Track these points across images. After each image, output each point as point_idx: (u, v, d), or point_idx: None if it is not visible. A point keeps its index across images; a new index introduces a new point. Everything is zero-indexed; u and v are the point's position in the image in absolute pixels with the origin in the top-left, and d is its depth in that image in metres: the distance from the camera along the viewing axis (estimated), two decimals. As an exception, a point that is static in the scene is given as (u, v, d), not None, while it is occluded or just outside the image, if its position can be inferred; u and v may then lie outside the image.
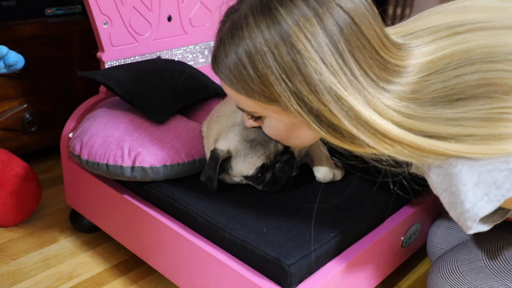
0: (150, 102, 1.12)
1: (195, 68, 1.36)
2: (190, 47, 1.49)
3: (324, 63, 0.68)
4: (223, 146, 0.95)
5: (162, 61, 1.32)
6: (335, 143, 0.73)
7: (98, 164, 1.07)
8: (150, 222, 1.05)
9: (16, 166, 1.32)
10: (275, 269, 0.83)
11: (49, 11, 1.61)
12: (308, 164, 1.10)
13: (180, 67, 1.31)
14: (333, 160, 1.06)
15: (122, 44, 1.31)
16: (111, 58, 1.29)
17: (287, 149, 0.97)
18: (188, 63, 1.47)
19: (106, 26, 1.26)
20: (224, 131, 0.98)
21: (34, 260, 1.25)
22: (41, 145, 1.66)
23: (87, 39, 1.60)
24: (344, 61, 0.69)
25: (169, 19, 1.40)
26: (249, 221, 0.92)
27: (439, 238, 1.08)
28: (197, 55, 1.52)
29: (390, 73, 0.73)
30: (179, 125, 1.12)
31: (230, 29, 0.75)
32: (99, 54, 1.28)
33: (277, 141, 0.94)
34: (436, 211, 1.14)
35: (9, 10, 1.51)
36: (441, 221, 1.10)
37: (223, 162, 0.94)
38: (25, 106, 1.57)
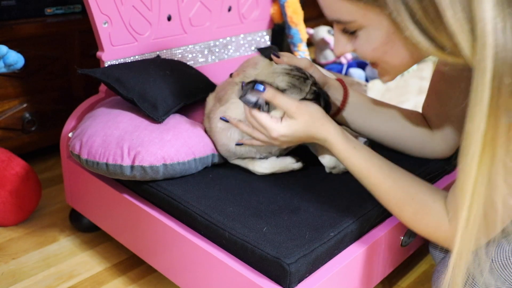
0: (150, 101, 1.12)
1: (194, 68, 1.37)
2: (190, 46, 1.49)
3: None
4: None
5: (162, 60, 1.32)
6: (434, 54, 0.71)
7: (97, 163, 1.07)
8: (150, 222, 1.05)
9: (16, 165, 1.32)
10: (275, 268, 0.83)
11: (48, 10, 1.61)
12: (308, 164, 1.10)
13: (180, 66, 1.31)
14: None
15: (122, 43, 1.31)
16: (111, 57, 1.29)
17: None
18: (188, 63, 1.47)
19: (106, 25, 1.26)
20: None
21: (34, 260, 1.25)
22: (41, 145, 1.66)
23: (87, 39, 1.60)
24: None
25: (169, 18, 1.41)
26: (249, 220, 0.92)
27: None
28: (197, 54, 1.52)
29: None
30: (179, 124, 1.12)
31: None
32: (98, 53, 1.28)
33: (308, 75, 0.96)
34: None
35: (8, 9, 1.51)
36: None
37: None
38: (25, 105, 1.57)
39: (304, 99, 0.97)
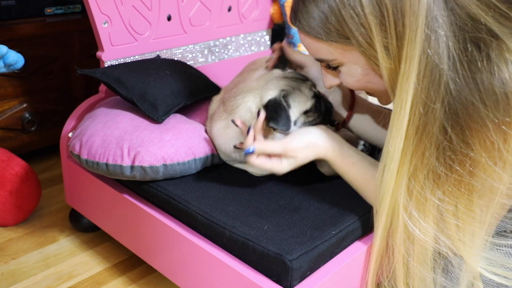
0: (150, 101, 1.12)
1: (194, 68, 1.37)
2: (190, 46, 1.49)
3: None
4: (274, 94, 0.99)
5: (162, 60, 1.32)
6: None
7: (97, 163, 1.07)
8: (150, 222, 1.05)
9: (16, 165, 1.32)
10: (276, 265, 0.83)
11: (48, 10, 1.61)
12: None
13: (180, 66, 1.31)
14: None
15: (121, 43, 1.30)
16: (110, 57, 1.29)
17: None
18: (188, 63, 1.47)
19: (105, 25, 1.26)
20: (262, 88, 1.01)
21: (34, 260, 1.25)
22: (41, 145, 1.66)
23: (87, 39, 1.60)
24: None
25: (169, 18, 1.40)
26: (249, 219, 0.92)
27: None
28: (196, 54, 1.52)
29: None
30: (179, 124, 1.12)
31: None
32: (98, 53, 1.28)
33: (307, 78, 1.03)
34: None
35: (8, 9, 1.51)
36: None
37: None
38: (24, 105, 1.57)
39: (308, 111, 0.99)
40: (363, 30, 0.76)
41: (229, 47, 1.62)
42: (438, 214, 0.79)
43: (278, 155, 0.94)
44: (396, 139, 0.77)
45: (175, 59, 1.44)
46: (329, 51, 0.83)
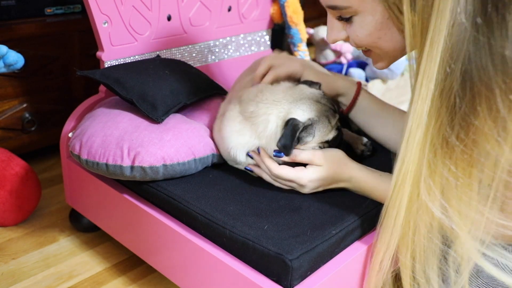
0: (150, 101, 1.12)
1: (194, 67, 1.36)
2: (190, 46, 1.49)
3: None
4: (301, 117, 0.97)
5: (162, 60, 1.32)
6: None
7: (97, 163, 1.07)
8: (150, 222, 1.05)
9: (16, 165, 1.32)
10: (277, 264, 0.83)
11: (48, 10, 1.61)
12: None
13: (179, 66, 1.31)
14: None
15: (121, 43, 1.31)
16: (110, 57, 1.29)
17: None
18: (188, 63, 1.47)
19: (105, 25, 1.26)
20: (291, 104, 0.99)
21: (34, 260, 1.25)
22: (41, 145, 1.66)
23: (87, 39, 1.60)
24: None
25: (169, 18, 1.40)
26: (250, 219, 0.92)
27: None
28: (197, 54, 1.52)
29: None
30: (178, 124, 1.12)
31: None
32: (98, 53, 1.28)
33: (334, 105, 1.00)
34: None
35: (8, 9, 1.51)
36: None
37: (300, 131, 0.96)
38: (24, 105, 1.57)
39: (327, 142, 1.00)
40: None
41: (229, 47, 1.62)
42: (443, 184, 0.75)
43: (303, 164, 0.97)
44: (424, 100, 0.71)
45: (175, 59, 1.44)
46: None
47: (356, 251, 0.93)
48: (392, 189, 0.79)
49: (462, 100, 0.70)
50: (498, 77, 0.67)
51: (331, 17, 0.86)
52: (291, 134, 0.94)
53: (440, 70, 0.69)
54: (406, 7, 0.71)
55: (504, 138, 0.68)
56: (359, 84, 1.14)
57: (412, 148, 0.74)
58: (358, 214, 0.95)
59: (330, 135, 1.00)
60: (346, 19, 0.82)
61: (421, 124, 0.72)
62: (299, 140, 0.97)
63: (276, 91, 1.03)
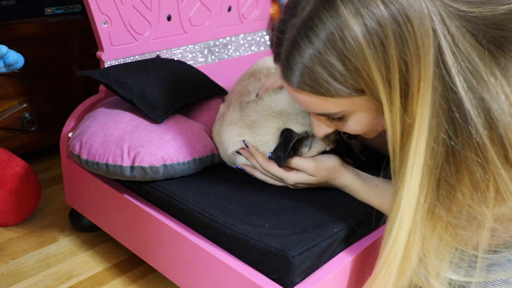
0: (150, 101, 1.12)
1: (194, 68, 1.36)
2: (190, 46, 1.49)
3: None
4: (298, 129, 0.97)
5: (162, 60, 1.32)
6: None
7: (97, 163, 1.06)
8: (150, 222, 1.05)
9: (16, 165, 1.32)
10: (278, 262, 0.83)
11: (48, 10, 1.61)
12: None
13: (179, 66, 1.31)
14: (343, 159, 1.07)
15: (121, 43, 1.31)
16: (110, 57, 1.29)
17: None
18: (188, 63, 1.47)
19: (105, 25, 1.26)
20: (290, 116, 0.98)
21: (34, 260, 1.25)
22: (41, 145, 1.66)
23: (87, 39, 1.60)
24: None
25: (169, 18, 1.40)
26: (250, 218, 0.92)
27: None
28: (196, 54, 1.52)
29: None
30: (178, 124, 1.12)
31: (300, 31, 0.69)
32: (98, 53, 1.28)
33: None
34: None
35: (8, 9, 1.51)
36: None
37: (294, 143, 0.96)
38: (24, 105, 1.57)
39: (324, 152, 0.99)
40: (386, 84, 0.68)
41: (229, 47, 1.62)
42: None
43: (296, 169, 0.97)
44: (416, 176, 0.71)
45: (175, 59, 1.44)
46: (338, 104, 0.74)
47: (356, 250, 0.93)
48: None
49: (448, 172, 0.71)
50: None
51: (315, 117, 0.84)
52: (284, 145, 0.94)
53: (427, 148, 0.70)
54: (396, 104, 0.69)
55: (484, 201, 0.70)
56: None
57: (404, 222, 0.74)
58: (359, 214, 0.95)
59: (328, 148, 1.00)
60: (338, 118, 0.79)
61: (413, 199, 0.72)
62: (294, 151, 0.97)
63: (277, 102, 1.01)
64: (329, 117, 0.79)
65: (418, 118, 0.68)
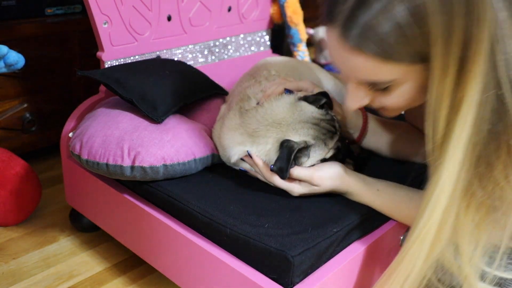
0: (150, 101, 1.12)
1: (194, 68, 1.37)
2: (190, 46, 1.49)
3: None
4: (297, 139, 0.96)
5: (162, 60, 1.32)
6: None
7: (98, 163, 1.07)
8: (150, 221, 1.05)
9: (16, 165, 1.32)
10: (278, 261, 0.83)
11: (49, 10, 1.61)
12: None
13: (180, 66, 1.31)
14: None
15: (122, 43, 1.31)
16: (111, 57, 1.29)
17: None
18: (188, 63, 1.47)
19: (106, 25, 1.26)
20: (289, 126, 0.98)
21: (34, 259, 1.25)
22: (41, 145, 1.66)
23: (87, 39, 1.60)
24: None
25: (169, 18, 1.41)
26: (250, 218, 0.92)
27: None
28: (196, 54, 1.52)
29: None
30: (178, 124, 1.12)
31: None
32: (99, 53, 1.28)
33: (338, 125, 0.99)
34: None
35: (9, 9, 1.51)
36: None
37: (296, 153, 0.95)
38: (25, 105, 1.57)
39: (324, 159, 0.99)
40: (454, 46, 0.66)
41: (229, 47, 1.62)
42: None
43: (300, 180, 0.97)
44: (459, 152, 0.70)
45: (175, 59, 1.44)
46: (392, 71, 0.71)
47: (356, 250, 0.93)
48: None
49: (488, 150, 0.71)
50: None
51: (354, 85, 0.78)
52: (287, 157, 0.93)
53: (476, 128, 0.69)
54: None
55: None
56: (364, 112, 1.11)
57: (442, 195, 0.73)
58: (359, 214, 0.95)
59: (327, 156, 0.99)
60: (382, 89, 0.76)
61: (453, 174, 0.71)
62: (295, 161, 0.97)
63: (277, 110, 1.00)
64: (374, 86, 0.75)
65: (470, 92, 0.67)
